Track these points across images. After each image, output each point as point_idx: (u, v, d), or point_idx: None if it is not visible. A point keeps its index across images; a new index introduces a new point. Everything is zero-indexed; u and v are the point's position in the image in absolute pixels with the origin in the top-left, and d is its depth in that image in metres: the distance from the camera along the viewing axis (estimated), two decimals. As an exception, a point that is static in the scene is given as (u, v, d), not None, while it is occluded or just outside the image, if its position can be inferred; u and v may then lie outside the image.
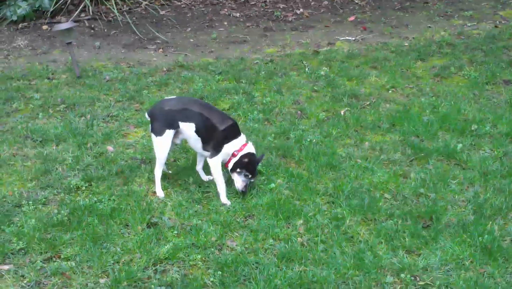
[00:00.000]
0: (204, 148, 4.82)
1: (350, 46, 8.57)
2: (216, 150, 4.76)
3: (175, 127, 4.76)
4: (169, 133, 4.76)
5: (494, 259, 4.08)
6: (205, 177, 5.08)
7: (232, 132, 4.78)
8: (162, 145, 4.79)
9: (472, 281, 3.89)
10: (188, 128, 4.76)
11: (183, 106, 4.79)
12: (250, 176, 4.77)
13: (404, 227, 4.41)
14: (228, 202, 4.75)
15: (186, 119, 4.73)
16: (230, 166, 4.79)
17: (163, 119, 4.75)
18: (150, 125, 4.87)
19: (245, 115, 6.21)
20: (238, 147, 4.78)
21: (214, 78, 7.23)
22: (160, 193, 4.84)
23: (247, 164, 4.73)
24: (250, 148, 4.82)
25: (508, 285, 3.90)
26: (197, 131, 4.76)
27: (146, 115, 4.97)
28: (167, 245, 4.19)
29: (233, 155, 4.77)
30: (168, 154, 4.90)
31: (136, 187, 4.95)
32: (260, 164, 4.96)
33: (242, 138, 4.84)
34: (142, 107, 6.43)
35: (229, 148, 4.76)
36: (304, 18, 10.05)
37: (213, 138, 4.74)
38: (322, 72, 7.37)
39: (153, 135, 4.83)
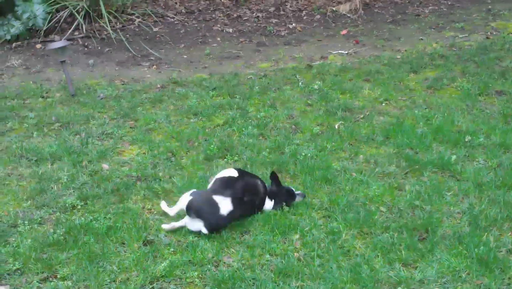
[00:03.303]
0: None
1: (343, 60, 8.62)
2: None
3: None
4: None
5: (490, 271, 4.09)
6: None
7: None
8: None
9: (469, 293, 3.91)
10: None
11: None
12: None
13: (400, 240, 4.42)
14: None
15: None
16: None
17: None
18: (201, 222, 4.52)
19: (239, 131, 6.22)
20: None
21: (208, 94, 7.25)
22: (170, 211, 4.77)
23: None
24: None
25: (505, 296, 3.92)
26: None
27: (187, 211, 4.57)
28: (164, 262, 4.19)
29: None
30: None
31: (132, 205, 4.94)
32: None
33: None
34: (137, 124, 6.44)
35: None
36: (297, 33, 10.11)
37: None
38: (316, 86, 7.40)
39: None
